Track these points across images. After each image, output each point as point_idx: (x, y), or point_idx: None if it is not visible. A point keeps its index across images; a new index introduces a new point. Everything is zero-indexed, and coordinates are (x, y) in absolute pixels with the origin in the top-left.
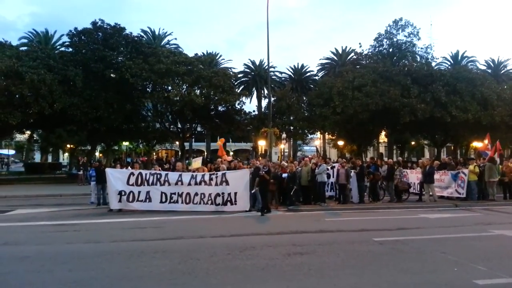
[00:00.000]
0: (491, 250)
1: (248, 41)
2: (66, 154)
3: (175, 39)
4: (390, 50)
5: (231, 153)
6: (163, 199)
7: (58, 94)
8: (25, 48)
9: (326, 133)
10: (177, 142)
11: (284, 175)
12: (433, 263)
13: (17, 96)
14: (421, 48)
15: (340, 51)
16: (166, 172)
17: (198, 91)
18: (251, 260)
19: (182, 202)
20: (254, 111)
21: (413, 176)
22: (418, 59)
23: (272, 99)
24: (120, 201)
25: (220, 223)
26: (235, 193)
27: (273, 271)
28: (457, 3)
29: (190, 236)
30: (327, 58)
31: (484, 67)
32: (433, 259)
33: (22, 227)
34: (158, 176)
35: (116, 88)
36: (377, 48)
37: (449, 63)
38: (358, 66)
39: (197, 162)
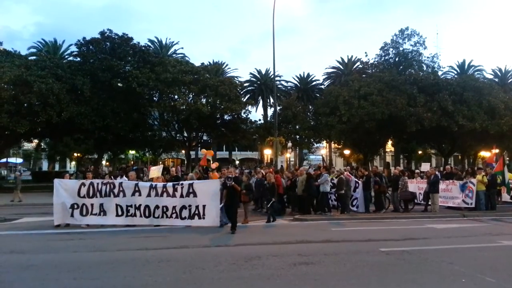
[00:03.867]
0: (500, 261)
1: (251, 50)
2: (73, 163)
3: (182, 48)
4: (396, 59)
5: (237, 162)
6: (119, 212)
7: (65, 103)
8: (34, 57)
9: (332, 142)
10: (183, 151)
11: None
12: (440, 274)
13: (25, 105)
14: (427, 57)
15: (346, 60)
16: (120, 181)
17: (204, 100)
18: (256, 270)
19: (140, 216)
20: (260, 120)
21: (413, 186)
22: (425, 68)
23: (278, 108)
24: (72, 215)
25: (225, 232)
26: (204, 206)
27: (278, 281)
28: (464, 12)
29: (195, 245)
30: (333, 67)
31: (491, 76)
32: (440, 270)
33: (28, 235)
34: (112, 186)
35: (123, 97)
36: (383, 57)
37: (455, 72)
38: (364, 75)
39: (155, 171)
